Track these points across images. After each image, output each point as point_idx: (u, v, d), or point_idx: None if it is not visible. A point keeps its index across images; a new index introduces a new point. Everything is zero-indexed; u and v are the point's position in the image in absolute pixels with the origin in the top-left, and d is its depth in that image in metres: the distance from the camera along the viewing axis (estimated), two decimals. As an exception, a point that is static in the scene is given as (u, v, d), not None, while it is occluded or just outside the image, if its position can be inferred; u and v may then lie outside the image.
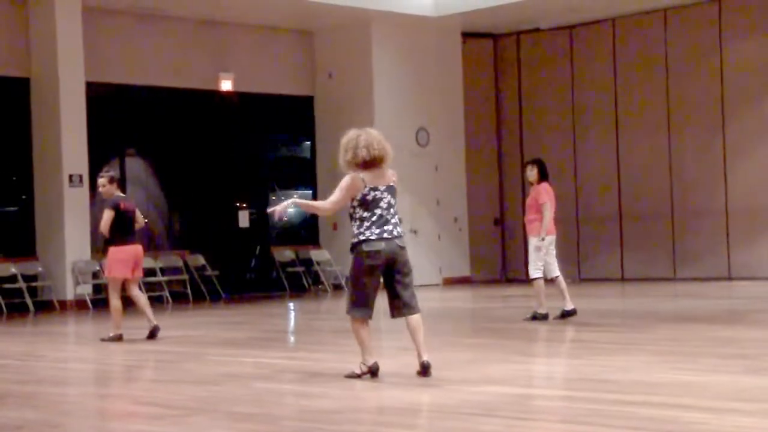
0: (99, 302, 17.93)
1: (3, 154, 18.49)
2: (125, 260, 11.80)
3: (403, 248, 8.06)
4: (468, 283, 21.66)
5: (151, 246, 20.27)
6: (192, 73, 19.83)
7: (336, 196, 8.00)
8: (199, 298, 18.97)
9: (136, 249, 11.97)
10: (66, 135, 17.65)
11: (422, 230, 21.37)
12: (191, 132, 20.40)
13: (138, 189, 20.28)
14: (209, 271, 19.55)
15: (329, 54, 21.40)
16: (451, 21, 21.15)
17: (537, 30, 22.01)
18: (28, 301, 17.28)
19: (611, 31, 21.14)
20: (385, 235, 7.95)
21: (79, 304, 17.54)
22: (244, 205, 21.23)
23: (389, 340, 12.38)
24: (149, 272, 18.71)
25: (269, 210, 8.15)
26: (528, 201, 12.62)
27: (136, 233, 12.14)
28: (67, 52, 17.68)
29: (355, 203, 7.98)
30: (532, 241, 12.41)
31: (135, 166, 20.28)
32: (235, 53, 20.41)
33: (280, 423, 6.46)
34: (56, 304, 17.46)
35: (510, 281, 21.66)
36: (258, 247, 21.39)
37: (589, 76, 21.43)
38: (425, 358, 8.09)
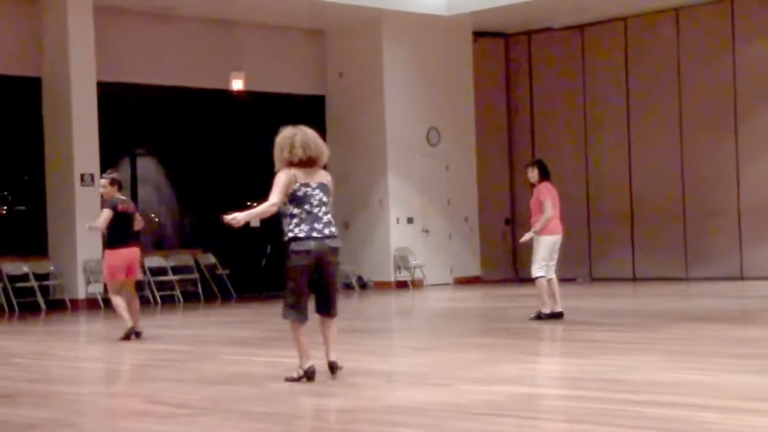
0: (110, 301, 17.94)
1: (15, 154, 18.53)
2: (120, 265, 11.86)
3: (334, 249, 7.95)
4: (479, 282, 21.64)
5: (162, 245, 20.33)
6: (203, 72, 19.84)
7: (276, 194, 7.90)
8: (210, 298, 18.99)
9: (133, 252, 12.00)
10: (77, 134, 17.69)
11: (433, 230, 21.36)
12: (202, 131, 20.41)
13: (149, 188, 20.32)
14: (220, 270, 19.57)
15: (340, 53, 21.40)
16: (463, 20, 21.13)
17: (548, 29, 21.98)
18: (40, 299, 17.31)
19: (623, 31, 21.10)
20: (314, 234, 7.86)
21: (91, 303, 17.57)
22: (255, 204, 21.13)
23: (400, 339, 12.39)
24: (160, 271, 18.77)
25: (228, 219, 8.22)
26: (532, 201, 12.65)
27: (135, 234, 12.16)
28: (78, 52, 17.71)
29: (286, 199, 7.91)
30: (539, 240, 12.40)
31: (146, 165, 20.30)
32: (247, 53, 20.43)
33: (292, 422, 6.46)
34: (68, 303, 17.49)
35: (521, 281, 21.63)
36: (269, 247, 21.36)
37: (600, 75, 21.39)
38: (333, 357, 8.04)
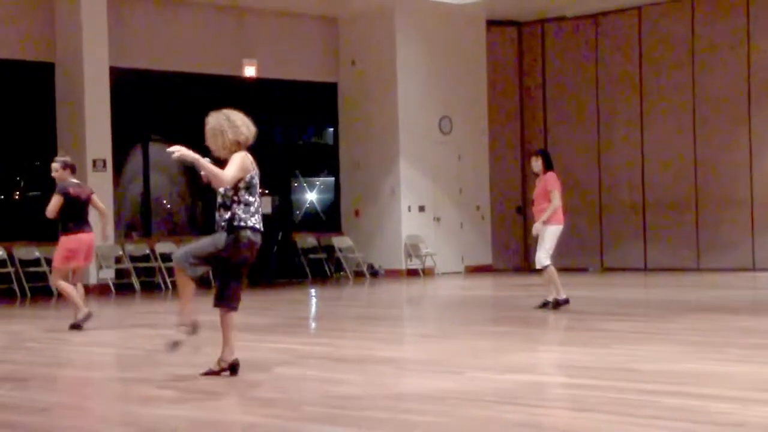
0: (122, 287, 18.01)
1: (27, 139, 18.55)
2: (75, 249, 11.44)
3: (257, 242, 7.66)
4: (490, 271, 21.62)
5: (174, 232, 20.35)
6: (216, 59, 19.83)
7: (232, 172, 7.46)
8: (221, 284, 18.94)
9: (88, 237, 11.55)
10: (90, 120, 17.71)
11: (445, 218, 21.34)
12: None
13: (161, 175, 20.33)
14: (231, 257, 19.52)
15: (353, 41, 21.36)
16: (476, 8, 21.08)
17: (562, 18, 21.89)
18: (51, 285, 17.32)
19: (637, 20, 21.00)
20: (258, 225, 7.62)
21: (102, 289, 17.61)
22: (267, 191, 21.24)
23: (411, 327, 12.38)
24: (172, 258, 18.77)
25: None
26: (536, 191, 12.65)
27: (98, 219, 11.75)
28: (91, 37, 17.72)
29: (242, 185, 7.54)
30: (545, 230, 12.38)
31: (158, 151, 20.30)
32: (259, 39, 20.41)
33: (301, 408, 6.45)
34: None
35: (532, 270, 21.57)
36: (280, 234, 21.40)
37: (614, 64, 21.30)
38: (236, 356, 7.75)
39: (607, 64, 21.40)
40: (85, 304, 11.59)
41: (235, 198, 7.56)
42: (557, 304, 12.34)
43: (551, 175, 12.48)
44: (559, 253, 12.63)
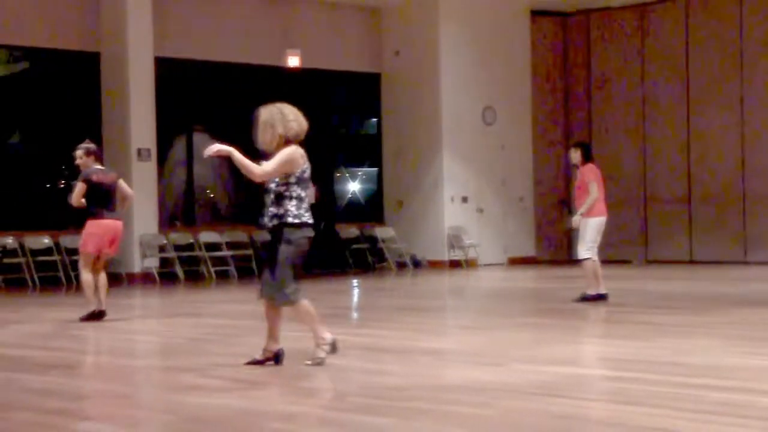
0: (166, 275, 18.12)
1: (73, 129, 18.69)
2: (100, 234, 11.32)
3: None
4: (533, 263, 21.53)
5: (216, 221, 20.44)
6: (259, 49, 19.86)
7: (272, 167, 7.44)
8: (264, 274, 19.01)
9: (115, 224, 11.40)
10: (135, 109, 17.82)
11: (487, 209, 21.26)
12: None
13: (204, 164, 20.41)
14: (274, 247, 19.59)
15: (397, 31, 21.32)
16: (521, -2, 20.98)
17: (608, 8, 21.71)
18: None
19: (684, 9, 20.78)
20: (310, 219, 7.64)
21: (146, 277, 17.73)
22: (310, 182, 21.27)
23: (454, 318, 12.36)
24: (215, 247, 18.87)
25: (210, 151, 7.67)
26: (576, 183, 12.59)
27: (120, 203, 11.59)
28: (136, 27, 17.82)
29: (293, 180, 7.52)
30: (585, 222, 12.30)
31: (202, 141, 20.38)
32: (303, 30, 20.42)
33: (345, 399, 6.46)
34: (124, 277, 17.64)
35: (576, 261, 21.46)
36: (323, 224, 21.42)
37: (659, 55, 21.09)
38: (282, 346, 7.73)
39: (652, 55, 21.20)
40: (99, 299, 11.37)
41: (287, 193, 7.54)
42: (585, 299, 12.23)
43: (589, 167, 12.39)
44: (601, 245, 12.53)
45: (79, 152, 11.55)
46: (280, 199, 7.51)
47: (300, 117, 7.69)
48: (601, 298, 12.25)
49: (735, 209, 20.17)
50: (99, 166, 11.54)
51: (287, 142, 7.56)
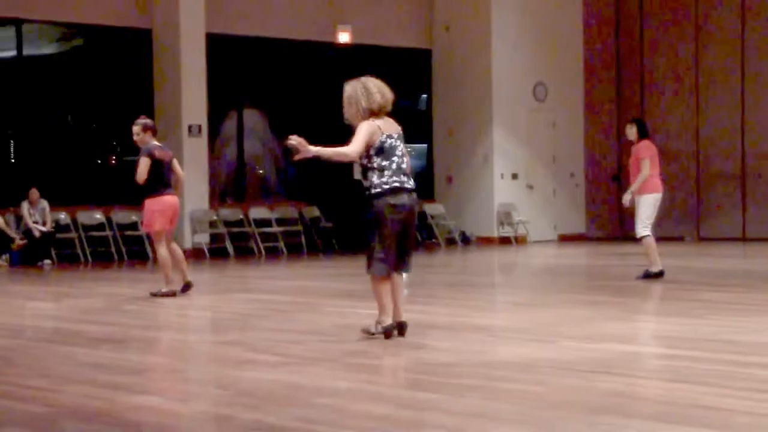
0: (216, 251, 18.25)
1: (125, 105, 18.83)
2: (163, 211, 11.27)
3: (416, 202, 7.80)
4: (584, 240, 21.42)
5: (267, 197, 20.53)
6: (310, 24, 19.87)
7: (356, 143, 7.59)
8: (313, 250, 19.13)
9: (174, 200, 11.37)
10: (186, 86, 17.93)
11: (537, 186, 21.17)
12: (308, 84, 20.48)
13: (255, 141, 20.49)
14: (324, 223, 19.69)
15: (447, 6, 21.22)
16: (572, -27, 20.78)
17: (661, -20, 21.45)
18: (148, 248, 17.62)
19: (738, -15, 20.48)
20: (407, 185, 7.70)
21: (197, 253, 17.87)
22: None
23: (503, 295, 12.33)
24: (265, 223, 18.96)
25: (294, 141, 7.68)
26: (630, 160, 12.49)
27: (173, 185, 11.52)
28: (188, 4, 17.92)
29: (372, 152, 7.64)
30: (639, 200, 12.22)
31: (252, 118, 20.47)
32: (353, 5, 20.38)
33: (396, 374, 6.47)
34: (175, 253, 17.76)
35: (627, 239, 21.32)
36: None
37: (715, 29, 20.80)
38: (404, 317, 7.83)
39: (707, 28, 20.91)
40: (183, 272, 11.45)
41: (369, 165, 7.70)
42: (648, 275, 12.17)
43: (644, 144, 12.29)
44: (654, 222, 12.42)
45: (136, 128, 11.40)
46: (365, 172, 7.75)
47: (384, 89, 7.84)
48: (659, 275, 12.17)
49: (789, 186, 19.91)
50: (156, 142, 11.49)
51: (372, 114, 7.71)
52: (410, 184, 7.73)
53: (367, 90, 7.79)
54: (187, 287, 11.49)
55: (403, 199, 7.66)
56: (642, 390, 6.00)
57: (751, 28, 20.31)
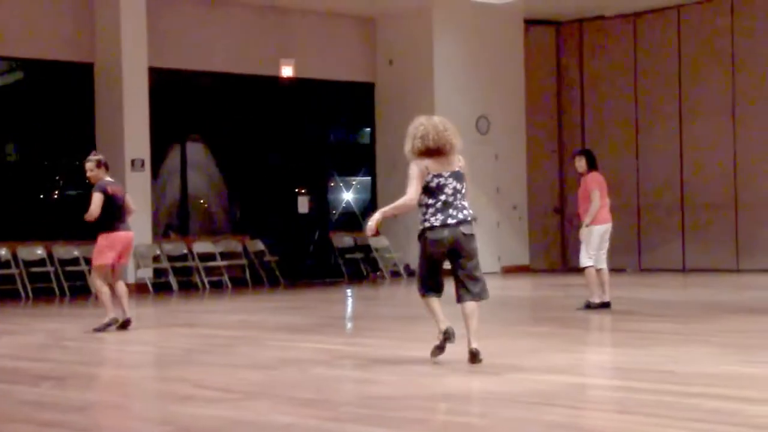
0: (159, 285, 18.10)
1: (67, 139, 18.71)
2: (111, 246, 11.26)
3: (467, 235, 8.08)
4: (527, 271, 21.53)
5: (211, 231, 20.43)
6: (253, 58, 19.89)
7: (413, 186, 8.03)
8: (258, 284, 19.05)
9: (127, 235, 11.40)
10: (128, 120, 17.82)
11: (482, 218, 21.06)
12: (252, 118, 20.48)
13: (199, 174, 20.42)
14: (268, 257, 19.62)
15: (390, 40, 21.35)
16: (514, 8, 20.99)
17: (601, 17, 21.77)
18: (90, 284, 17.45)
19: (676, 19, 20.84)
20: (449, 221, 8.00)
21: (140, 288, 17.70)
22: (304, 191, 21.28)
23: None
24: (209, 257, 18.85)
25: (368, 230, 8.32)
26: (580, 192, 12.60)
27: (127, 219, 11.54)
28: (130, 38, 17.84)
29: (422, 190, 8.05)
30: (588, 231, 12.33)
31: (196, 151, 20.40)
32: (297, 39, 20.44)
33: (339, 409, 6.45)
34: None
35: (570, 270, 21.48)
36: (317, 233, 21.43)
37: (653, 64, 21.14)
38: (474, 345, 8.06)
39: (645, 64, 21.25)
40: (123, 309, 11.39)
41: (421, 203, 8.11)
42: (588, 306, 12.26)
43: (592, 176, 12.41)
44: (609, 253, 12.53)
45: (89, 164, 11.45)
46: (419, 209, 8.12)
47: (432, 134, 8.13)
48: (604, 306, 12.26)
49: (727, 217, 20.20)
50: (109, 178, 11.50)
51: (421, 154, 8.07)
52: (457, 218, 8.03)
53: (413, 133, 8.18)
54: (127, 323, 11.38)
55: (442, 234, 8.00)
56: (586, 421, 6.03)
57: (687, 59, 20.66)
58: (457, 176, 8.12)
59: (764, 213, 19.82)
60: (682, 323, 11.05)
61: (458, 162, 8.19)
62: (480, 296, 8.24)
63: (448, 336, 8.15)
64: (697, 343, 9.27)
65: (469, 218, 8.10)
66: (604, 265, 12.39)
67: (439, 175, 8.03)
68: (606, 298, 12.32)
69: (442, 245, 8.03)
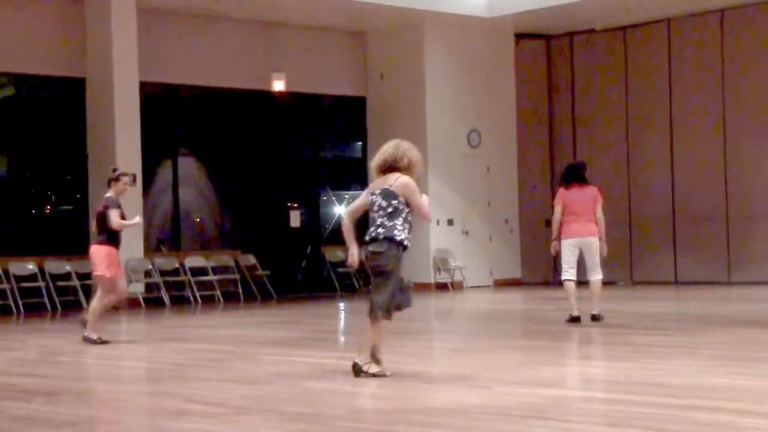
0: (151, 300, 18.08)
1: (58, 154, 18.70)
2: (116, 261, 11.69)
3: (371, 252, 8.16)
4: (519, 285, 21.55)
5: (202, 245, 20.43)
6: (245, 73, 19.92)
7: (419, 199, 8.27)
8: (249, 298, 19.04)
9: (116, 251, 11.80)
10: (120, 134, 17.82)
11: (473, 232, 21.30)
12: (243, 132, 20.50)
13: (190, 189, 20.42)
14: (260, 271, 19.62)
15: (381, 55, 21.40)
16: (504, 22, 21.06)
17: (591, 31, 21.85)
18: (82, 298, 17.42)
19: (666, 32, 20.93)
20: (365, 237, 8.22)
21: (132, 302, 17.67)
22: (296, 205, 21.29)
23: (440, 341, 12.35)
24: (201, 271, 18.84)
25: (353, 264, 8.45)
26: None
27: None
28: (122, 53, 17.85)
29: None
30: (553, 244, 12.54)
31: (187, 166, 20.41)
32: (288, 54, 20.48)
33: (331, 423, 6.45)
34: (109, 303, 17.58)
35: (562, 284, 21.47)
36: (309, 248, 21.44)
37: (643, 77, 21.23)
38: (356, 360, 8.20)
39: (635, 77, 21.33)
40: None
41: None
42: (572, 320, 12.30)
43: (558, 192, 12.65)
44: (583, 267, 12.56)
45: (128, 178, 11.97)
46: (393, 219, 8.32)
47: (386, 150, 8.41)
48: (573, 320, 12.28)
49: (719, 230, 20.26)
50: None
51: (378, 173, 8.36)
52: (371, 235, 8.15)
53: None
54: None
55: (365, 251, 8.16)
56: (576, 434, 6.04)
57: (677, 73, 20.74)
58: (385, 193, 8.21)
59: (755, 226, 19.89)
60: (674, 336, 11.08)
61: (393, 180, 8.23)
62: (369, 313, 8.26)
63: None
64: (688, 356, 9.29)
65: (379, 236, 8.13)
66: (590, 277, 12.41)
67: (373, 193, 8.28)
68: (575, 312, 12.31)
69: (366, 261, 8.28)
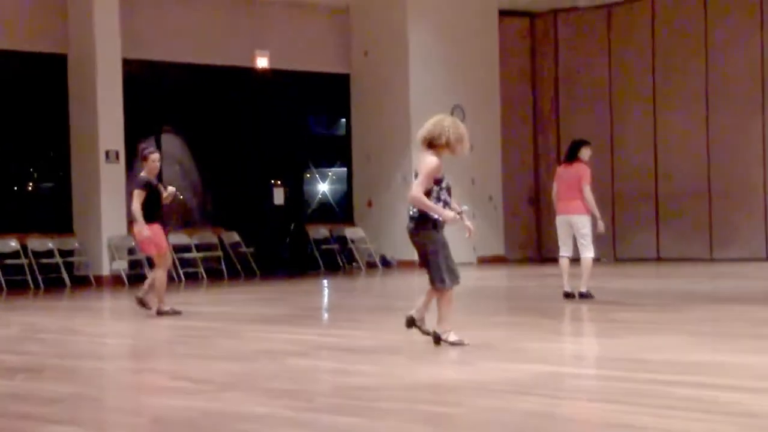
0: (134, 277, 18.03)
1: (40, 131, 18.60)
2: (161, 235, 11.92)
3: (408, 230, 8.64)
4: (503, 262, 21.59)
5: (186, 223, 20.39)
6: (228, 50, 19.83)
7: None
8: (233, 275, 19.02)
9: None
10: (102, 111, 17.74)
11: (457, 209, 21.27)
12: (227, 109, 20.43)
13: (174, 166, 20.35)
14: (244, 248, 19.60)
15: (365, 31, 21.33)
16: (488, -2, 21.02)
17: (575, 8, 21.83)
18: (65, 276, 17.40)
19: (650, 9, 20.92)
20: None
21: (115, 280, 17.66)
22: (279, 182, 21.26)
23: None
24: (185, 248, 18.81)
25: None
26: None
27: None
28: (104, 29, 17.76)
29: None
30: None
31: (170, 143, 20.34)
32: (271, 30, 20.39)
33: (315, 399, 6.46)
34: (92, 280, 17.58)
35: (545, 261, 21.55)
36: (293, 225, 21.42)
37: (626, 54, 21.22)
38: (433, 329, 8.52)
39: (619, 54, 21.32)
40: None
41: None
42: (582, 296, 12.35)
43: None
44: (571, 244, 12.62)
45: (156, 155, 12.00)
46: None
47: (424, 127, 8.83)
48: (567, 296, 12.33)
49: (701, 206, 20.32)
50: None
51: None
52: (408, 214, 8.59)
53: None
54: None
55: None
56: (559, 410, 6.06)
57: (661, 49, 20.75)
58: (416, 172, 8.57)
59: (737, 203, 19.96)
60: (656, 312, 11.12)
61: (421, 160, 8.54)
62: (432, 283, 8.61)
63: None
64: (671, 332, 9.34)
65: (412, 214, 8.51)
66: (580, 255, 12.45)
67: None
68: (566, 288, 12.36)
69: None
